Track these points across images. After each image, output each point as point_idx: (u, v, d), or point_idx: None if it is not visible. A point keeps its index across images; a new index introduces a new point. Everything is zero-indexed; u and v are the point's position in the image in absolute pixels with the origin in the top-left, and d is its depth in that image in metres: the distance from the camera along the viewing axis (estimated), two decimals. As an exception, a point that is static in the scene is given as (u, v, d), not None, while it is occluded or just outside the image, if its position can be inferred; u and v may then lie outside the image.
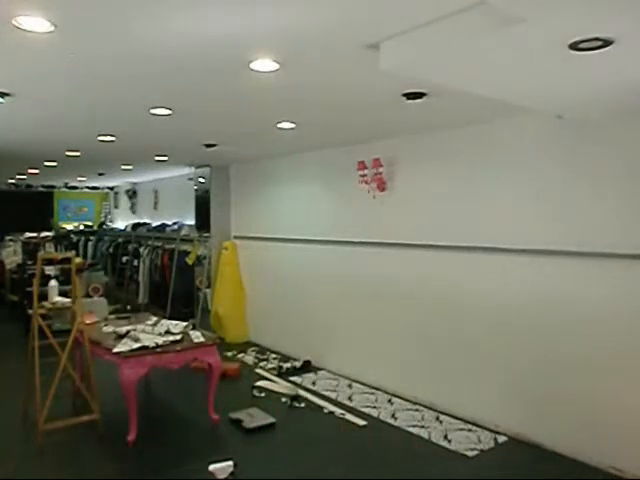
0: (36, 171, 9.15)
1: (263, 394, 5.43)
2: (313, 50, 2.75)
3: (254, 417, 4.68)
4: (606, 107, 3.50)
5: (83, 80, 3.32)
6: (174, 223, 9.78)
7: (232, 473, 3.71)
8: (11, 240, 10.70)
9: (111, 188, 13.82)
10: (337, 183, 6.08)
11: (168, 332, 4.65)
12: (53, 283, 4.93)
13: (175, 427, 4.71)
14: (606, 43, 2.27)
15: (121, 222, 13.01)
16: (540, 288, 4.17)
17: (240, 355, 6.93)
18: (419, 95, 3.58)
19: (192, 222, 8.78)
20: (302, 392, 5.42)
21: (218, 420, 4.64)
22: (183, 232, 8.88)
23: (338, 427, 4.65)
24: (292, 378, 5.92)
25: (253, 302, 7.70)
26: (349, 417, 4.82)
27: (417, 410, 4.96)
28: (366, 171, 5.51)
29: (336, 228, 6.09)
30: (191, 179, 8.66)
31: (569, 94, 3.23)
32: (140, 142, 5.83)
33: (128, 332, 4.62)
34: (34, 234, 10.55)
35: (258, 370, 6.29)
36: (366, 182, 5.52)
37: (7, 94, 3.61)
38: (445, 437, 4.39)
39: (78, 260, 6.80)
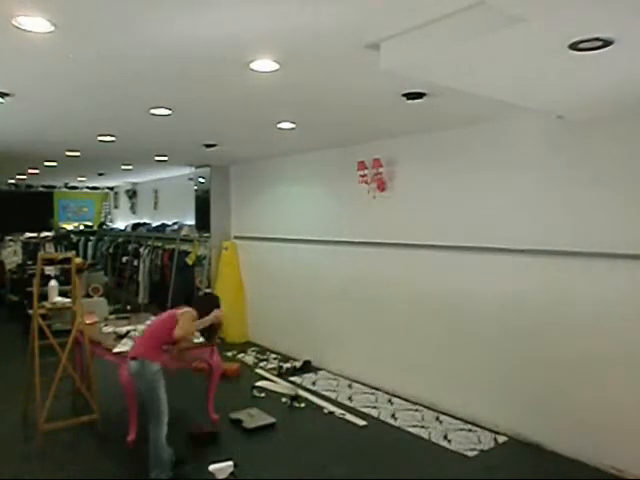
0: (36, 171, 9.16)
1: (263, 394, 5.43)
2: (313, 50, 2.75)
3: (254, 417, 4.68)
4: (606, 107, 3.50)
5: (83, 80, 3.32)
6: (174, 223, 9.78)
7: (232, 473, 3.71)
8: (11, 240, 10.70)
9: (111, 188, 13.82)
10: (337, 183, 6.08)
11: (168, 332, 4.64)
12: (53, 283, 4.93)
13: (175, 427, 4.71)
14: (606, 43, 2.27)
15: (121, 222, 13.00)
16: (540, 288, 4.17)
17: (240, 355, 6.93)
18: (419, 95, 3.58)
19: (192, 222, 8.79)
20: (302, 392, 5.42)
21: (218, 420, 4.64)
22: (183, 232, 8.88)
23: (338, 427, 4.65)
24: (292, 378, 5.92)
25: (253, 302, 7.70)
26: (349, 417, 4.82)
27: (417, 410, 4.97)
28: (366, 171, 5.51)
29: (336, 228, 6.09)
30: (191, 179, 8.66)
31: (569, 94, 3.23)
32: (140, 142, 5.83)
33: (128, 332, 4.62)
34: (34, 234, 10.57)
35: (258, 370, 6.29)
36: (366, 182, 5.52)
37: (7, 94, 3.61)
38: (445, 437, 4.39)
39: (78, 260, 6.79)
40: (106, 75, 3.21)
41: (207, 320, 3.86)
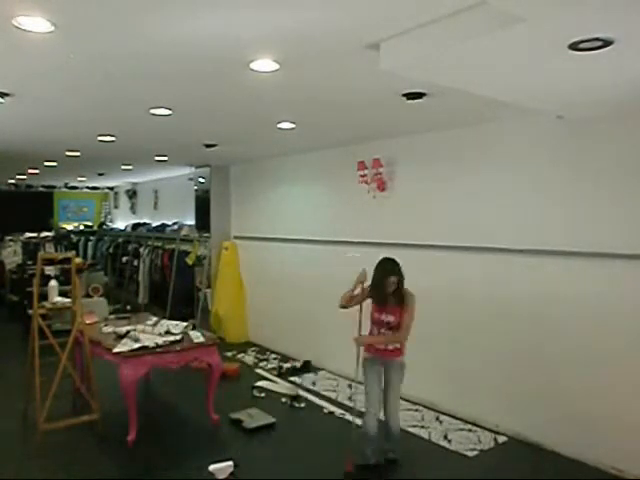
0: (36, 171, 9.16)
1: (263, 394, 5.43)
2: (313, 50, 2.75)
3: (254, 417, 4.68)
4: (606, 107, 3.50)
5: (83, 80, 3.32)
6: (174, 223, 9.78)
7: (232, 473, 3.71)
8: (11, 240, 10.69)
9: (111, 188, 13.82)
10: (337, 183, 6.08)
11: (168, 332, 4.64)
12: (53, 283, 4.93)
13: (175, 427, 4.72)
14: (606, 43, 2.27)
15: (121, 222, 13.00)
16: (540, 288, 4.17)
17: (240, 355, 6.93)
18: (419, 95, 3.58)
19: (192, 222, 8.79)
20: (302, 392, 5.42)
21: (218, 420, 4.64)
22: (183, 232, 8.88)
23: (338, 427, 4.65)
24: (292, 378, 5.92)
25: (253, 302, 7.70)
26: (349, 417, 4.81)
27: (417, 410, 4.96)
28: (366, 171, 5.51)
29: (336, 228, 6.09)
30: (191, 179, 8.66)
31: (569, 94, 3.23)
32: (140, 142, 5.83)
33: (128, 332, 4.62)
34: (34, 234, 10.55)
35: (258, 370, 6.29)
36: (366, 182, 5.52)
37: (7, 94, 3.61)
38: (445, 437, 4.39)
39: (78, 260, 6.80)
40: (106, 75, 3.21)
41: (357, 289, 4.14)
